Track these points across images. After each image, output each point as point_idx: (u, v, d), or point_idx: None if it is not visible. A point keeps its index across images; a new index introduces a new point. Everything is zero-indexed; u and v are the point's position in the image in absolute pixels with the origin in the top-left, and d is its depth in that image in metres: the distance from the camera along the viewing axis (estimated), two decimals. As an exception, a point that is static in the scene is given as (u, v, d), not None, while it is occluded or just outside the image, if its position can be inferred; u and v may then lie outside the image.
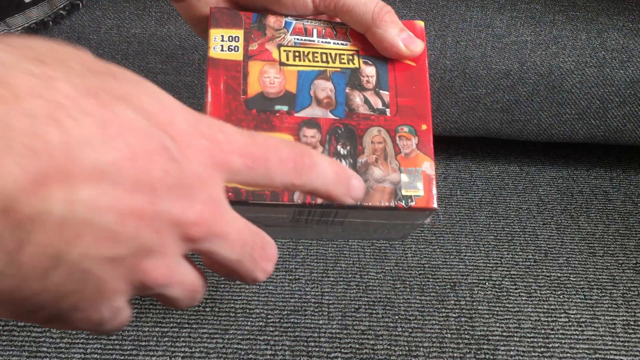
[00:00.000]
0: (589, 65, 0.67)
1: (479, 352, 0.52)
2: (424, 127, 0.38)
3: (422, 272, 0.60)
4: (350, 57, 0.39)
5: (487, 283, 0.59)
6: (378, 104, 0.38)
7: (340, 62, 0.39)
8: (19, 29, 0.65)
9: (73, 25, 0.66)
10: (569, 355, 0.52)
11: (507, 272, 0.61)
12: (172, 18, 0.66)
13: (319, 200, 0.35)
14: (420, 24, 0.40)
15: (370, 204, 0.36)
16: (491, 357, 0.51)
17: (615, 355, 0.52)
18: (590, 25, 0.67)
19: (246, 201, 0.35)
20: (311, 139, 0.37)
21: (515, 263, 0.62)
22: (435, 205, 0.36)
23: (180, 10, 0.40)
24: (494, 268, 0.61)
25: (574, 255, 0.64)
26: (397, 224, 0.40)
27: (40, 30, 0.66)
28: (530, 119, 0.71)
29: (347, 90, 0.38)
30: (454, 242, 0.65)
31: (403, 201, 0.36)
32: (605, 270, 0.62)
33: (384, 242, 0.64)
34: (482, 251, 0.64)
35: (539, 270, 0.61)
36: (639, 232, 0.68)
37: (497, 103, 0.70)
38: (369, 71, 0.39)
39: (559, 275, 0.61)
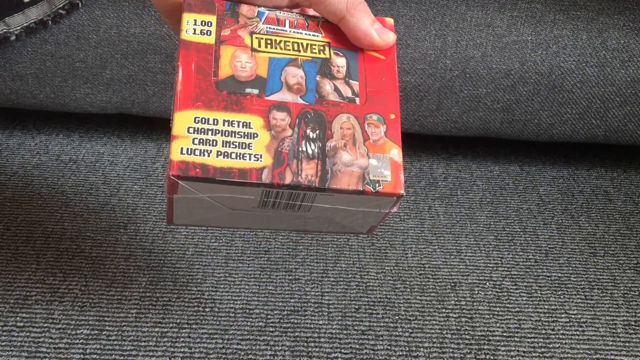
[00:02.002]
0: (589, 65, 0.67)
1: (479, 353, 0.52)
2: (392, 116, 0.38)
3: (423, 272, 0.60)
4: (322, 48, 0.40)
5: (487, 283, 0.59)
6: (348, 93, 0.39)
7: (312, 52, 0.39)
8: (18, 28, 0.65)
9: (72, 24, 0.66)
10: (569, 355, 0.52)
11: (508, 272, 0.61)
12: (171, 17, 0.66)
13: (287, 181, 0.35)
14: (390, 20, 0.41)
15: (338, 186, 0.36)
16: (492, 357, 0.51)
17: (616, 355, 0.52)
18: (591, 24, 0.67)
19: (213, 178, 0.35)
20: (281, 122, 0.37)
21: (515, 263, 0.62)
22: (402, 191, 0.37)
23: (154, 1, 0.41)
24: (495, 268, 0.61)
25: (574, 255, 0.64)
26: (364, 212, 0.40)
27: (40, 30, 0.66)
28: (531, 119, 0.71)
29: (317, 78, 0.39)
30: (454, 242, 0.64)
31: (370, 185, 0.36)
32: (606, 270, 0.62)
33: (384, 242, 0.64)
34: (483, 251, 0.63)
35: (540, 271, 0.61)
36: (639, 232, 0.68)
37: (498, 103, 0.70)
38: (340, 62, 0.39)
39: (560, 275, 0.61)
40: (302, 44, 0.39)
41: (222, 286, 0.57)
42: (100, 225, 0.63)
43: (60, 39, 0.67)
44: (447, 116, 0.72)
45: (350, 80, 0.39)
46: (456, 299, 0.57)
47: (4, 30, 0.64)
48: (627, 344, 0.54)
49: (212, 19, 0.39)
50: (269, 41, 0.39)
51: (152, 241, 0.62)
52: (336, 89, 0.39)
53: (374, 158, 0.37)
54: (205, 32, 0.39)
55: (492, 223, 0.68)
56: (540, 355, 0.52)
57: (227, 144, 0.36)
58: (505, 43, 0.67)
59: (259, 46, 0.39)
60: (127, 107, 0.72)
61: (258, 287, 0.57)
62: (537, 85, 0.68)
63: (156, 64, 0.68)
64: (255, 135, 0.36)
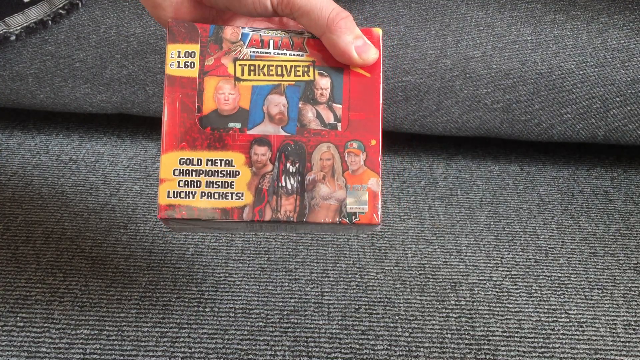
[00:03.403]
0: (589, 65, 0.67)
1: (479, 353, 0.52)
2: (373, 142, 0.39)
3: (423, 272, 0.60)
4: (306, 69, 0.39)
5: (487, 283, 0.59)
6: (330, 119, 0.39)
7: (295, 75, 0.39)
8: (18, 28, 0.65)
9: (72, 24, 0.66)
10: (569, 355, 0.52)
11: (508, 272, 0.61)
12: (171, 17, 0.66)
13: (267, 217, 0.37)
14: (378, 32, 0.40)
15: (315, 221, 0.38)
16: (492, 357, 0.51)
17: (616, 355, 0.52)
18: (591, 24, 0.67)
19: (199, 219, 0.37)
20: (262, 157, 0.38)
21: (515, 263, 0.62)
22: (378, 221, 0.38)
23: (146, 4, 0.41)
24: (495, 268, 0.61)
25: (574, 255, 0.64)
26: (348, 232, 0.42)
27: (40, 30, 0.66)
28: (531, 119, 0.71)
29: (300, 105, 0.39)
30: (454, 242, 0.64)
31: (347, 218, 0.38)
32: (606, 270, 0.62)
33: (384, 242, 0.64)
34: (483, 251, 0.63)
35: (540, 271, 0.61)
36: (639, 232, 0.68)
37: (498, 103, 0.70)
38: (324, 83, 0.39)
39: (560, 275, 0.61)
40: (285, 67, 0.39)
41: (222, 286, 0.57)
42: (100, 225, 0.63)
43: (60, 39, 0.67)
44: (447, 116, 0.72)
45: (334, 104, 0.39)
46: (456, 299, 0.57)
47: (4, 30, 0.64)
48: (627, 344, 0.54)
49: (196, 48, 0.39)
50: (252, 67, 0.39)
51: (152, 241, 0.62)
52: (318, 116, 0.39)
53: (352, 189, 0.38)
54: (189, 64, 0.39)
55: (492, 223, 0.68)
56: (540, 355, 0.52)
57: (211, 184, 0.38)
58: (505, 43, 0.67)
59: (242, 74, 0.39)
60: (127, 107, 0.72)
61: (258, 287, 0.57)
62: (537, 85, 0.68)
63: (156, 64, 0.68)
64: (237, 173, 0.38)
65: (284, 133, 0.38)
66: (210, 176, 0.38)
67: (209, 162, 0.38)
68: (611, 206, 0.72)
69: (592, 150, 0.83)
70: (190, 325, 0.52)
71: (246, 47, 0.39)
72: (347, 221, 0.37)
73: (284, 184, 0.38)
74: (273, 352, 0.50)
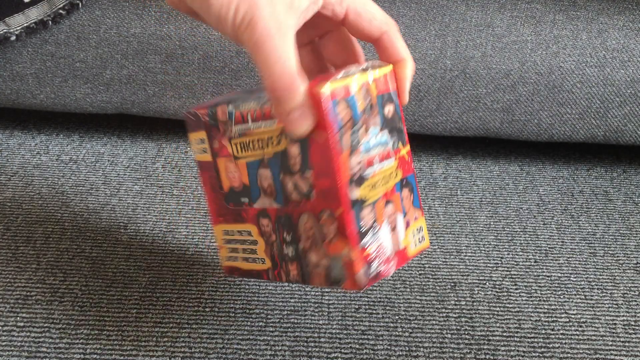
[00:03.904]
0: (589, 65, 0.67)
1: (479, 353, 0.52)
2: (339, 210, 0.36)
3: (423, 272, 0.60)
4: (278, 139, 0.37)
5: (487, 283, 0.59)
6: (304, 188, 0.37)
7: (272, 146, 0.38)
8: (18, 28, 0.65)
9: (72, 24, 0.66)
10: (569, 355, 0.52)
11: (508, 272, 0.61)
12: (171, 18, 0.66)
13: (284, 280, 0.41)
14: (321, 92, 0.33)
15: (314, 284, 0.40)
16: (491, 357, 0.51)
17: (615, 355, 0.52)
18: (591, 24, 0.67)
19: (244, 276, 0.46)
20: (266, 228, 0.41)
21: (515, 263, 0.62)
22: (362, 285, 0.36)
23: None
24: (495, 268, 0.61)
25: (574, 255, 0.64)
26: None
27: (40, 30, 0.66)
28: (531, 119, 0.71)
29: (281, 177, 0.39)
30: (454, 242, 0.64)
31: (335, 283, 0.39)
32: (605, 270, 0.62)
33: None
34: (483, 251, 0.63)
35: (540, 270, 0.61)
36: (639, 232, 0.68)
37: (498, 103, 0.70)
38: (294, 151, 0.37)
39: (560, 275, 0.61)
40: (263, 139, 0.38)
41: (222, 286, 0.57)
42: (100, 225, 0.63)
43: (61, 39, 0.67)
44: (447, 116, 0.72)
45: (306, 171, 0.36)
46: (456, 299, 0.57)
47: (4, 31, 0.64)
48: (627, 344, 0.54)
49: (203, 135, 0.42)
50: (243, 145, 0.40)
51: (152, 241, 0.62)
52: (296, 186, 0.38)
53: (331, 259, 0.37)
54: (204, 150, 0.43)
55: (492, 223, 0.68)
56: (540, 355, 0.52)
57: (244, 251, 0.44)
58: (505, 43, 0.67)
59: (238, 152, 0.40)
60: (127, 107, 0.73)
61: (258, 287, 0.57)
62: (537, 85, 0.68)
63: (156, 64, 0.68)
64: (255, 242, 0.42)
65: (276, 205, 0.39)
66: (242, 244, 0.43)
67: (238, 233, 0.43)
68: (611, 206, 0.72)
69: (592, 150, 0.83)
70: (190, 325, 0.52)
71: (234, 125, 0.40)
72: (336, 285, 0.38)
73: (286, 252, 0.40)
74: (273, 352, 0.50)
